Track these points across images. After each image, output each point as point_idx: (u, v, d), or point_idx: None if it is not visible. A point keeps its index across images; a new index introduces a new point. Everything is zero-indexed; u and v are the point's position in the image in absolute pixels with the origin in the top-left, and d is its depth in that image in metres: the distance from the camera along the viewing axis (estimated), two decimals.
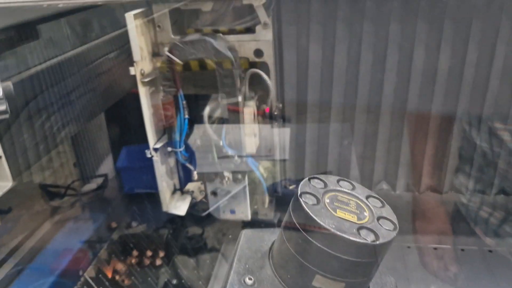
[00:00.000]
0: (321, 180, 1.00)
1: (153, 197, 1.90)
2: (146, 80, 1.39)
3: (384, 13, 1.51)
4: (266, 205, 1.70)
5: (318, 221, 0.86)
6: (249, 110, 1.42)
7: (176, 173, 1.61)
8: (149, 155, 1.47)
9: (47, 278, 1.56)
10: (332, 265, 0.89)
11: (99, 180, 1.97)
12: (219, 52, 1.34)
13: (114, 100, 1.76)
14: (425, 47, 1.53)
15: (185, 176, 1.62)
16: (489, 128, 1.62)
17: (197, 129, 1.50)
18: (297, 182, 1.76)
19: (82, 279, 1.63)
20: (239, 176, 1.55)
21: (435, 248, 1.67)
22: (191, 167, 1.54)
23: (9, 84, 1.13)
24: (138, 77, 1.38)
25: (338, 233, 0.84)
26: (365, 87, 1.61)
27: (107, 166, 1.97)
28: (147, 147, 1.48)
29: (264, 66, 1.47)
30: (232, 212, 1.65)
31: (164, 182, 1.52)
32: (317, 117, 1.68)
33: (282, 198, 1.83)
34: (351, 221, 0.89)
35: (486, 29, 1.50)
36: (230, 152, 1.48)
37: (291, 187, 1.77)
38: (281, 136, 1.63)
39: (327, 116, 1.67)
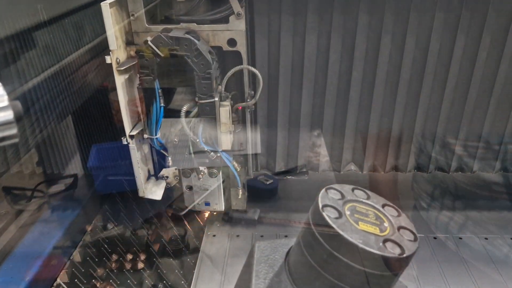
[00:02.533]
0: (337, 190, 1.03)
1: (128, 197, 1.93)
2: (122, 68, 1.40)
3: (353, 4, 1.55)
4: (240, 196, 1.75)
5: (346, 236, 0.89)
6: (224, 109, 1.47)
7: (150, 159, 1.63)
8: (125, 142, 1.49)
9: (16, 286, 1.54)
10: (357, 279, 0.92)
11: (68, 181, 1.94)
12: (200, 54, 1.38)
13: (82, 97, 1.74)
14: (392, 37, 1.59)
15: (160, 162, 1.64)
16: None
17: (174, 126, 1.53)
18: (269, 171, 1.83)
19: (55, 284, 1.61)
20: (214, 170, 1.60)
21: None
22: (166, 153, 1.57)
23: (17, 104, 1.10)
24: (114, 66, 1.39)
25: (367, 248, 0.88)
26: (335, 75, 1.66)
27: (75, 165, 1.93)
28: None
29: (237, 55, 1.51)
30: (207, 204, 1.70)
31: (140, 168, 1.54)
32: (288, 105, 1.73)
33: (253, 189, 1.90)
34: (375, 234, 0.93)
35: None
36: (206, 148, 1.53)
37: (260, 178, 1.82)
38: (253, 126, 1.69)
39: (297, 103, 1.71)
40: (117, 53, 1.40)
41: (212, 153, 1.54)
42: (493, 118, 1.74)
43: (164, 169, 1.62)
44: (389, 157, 1.82)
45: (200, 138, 1.51)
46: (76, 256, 1.75)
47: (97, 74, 1.74)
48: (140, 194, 1.60)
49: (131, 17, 1.46)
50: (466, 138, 1.78)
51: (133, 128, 1.51)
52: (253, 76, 1.57)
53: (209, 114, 1.47)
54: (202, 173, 1.61)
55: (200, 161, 1.58)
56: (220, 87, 1.49)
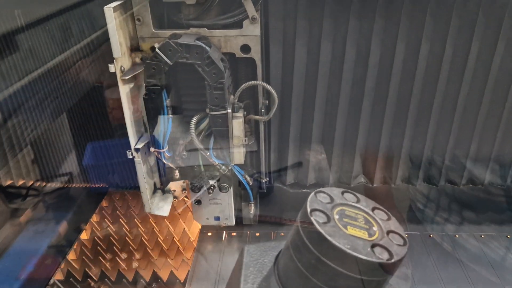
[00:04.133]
0: (326, 194, 1.01)
1: (123, 195, 1.91)
2: (127, 77, 1.33)
3: (369, 10, 1.48)
4: (252, 211, 1.70)
5: (333, 242, 0.87)
6: (238, 121, 1.40)
7: (157, 172, 1.56)
8: (130, 156, 1.43)
9: (11, 284, 1.53)
10: (346, 284, 0.90)
11: (63, 179, 1.91)
12: (212, 63, 1.30)
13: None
14: (406, 43, 1.51)
15: (167, 175, 1.57)
16: None
17: (183, 137, 1.47)
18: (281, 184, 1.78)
19: (50, 282, 1.60)
20: (226, 185, 1.54)
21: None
22: (173, 166, 1.51)
23: None
24: (118, 75, 1.32)
25: (354, 254, 0.85)
26: (348, 83, 1.59)
27: (70, 163, 1.91)
28: (113, 143, 1.45)
29: (250, 62, 1.44)
30: (217, 219, 1.66)
31: (146, 183, 1.48)
32: (301, 113, 1.66)
33: (266, 195, 1.86)
34: (364, 239, 0.90)
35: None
36: (218, 162, 1.47)
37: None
38: (266, 138, 1.62)
39: (310, 112, 1.64)
40: (121, 61, 1.33)
41: (223, 167, 1.47)
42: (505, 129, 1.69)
43: (171, 183, 1.56)
44: (399, 169, 1.77)
45: (211, 152, 1.44)
46: (72, 254, 1.74)
47: (91, 71, 1.72)
48: (147, 210, 1.53)
49: (137, 22, 1.38)
50: (477, 151, 1.73)
51: (138, 141, 1.44)
52: (266, 67, 1.51)
53: (221, 126, 1.39)
54: (212, 187, 1.53)
55: (211, 174, 1.52)
56: (232, 97, 1.41)
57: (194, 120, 1.39)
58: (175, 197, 1.59)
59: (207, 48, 1.30)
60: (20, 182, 1.69)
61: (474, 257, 1.69)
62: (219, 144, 1.44)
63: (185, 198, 1.63)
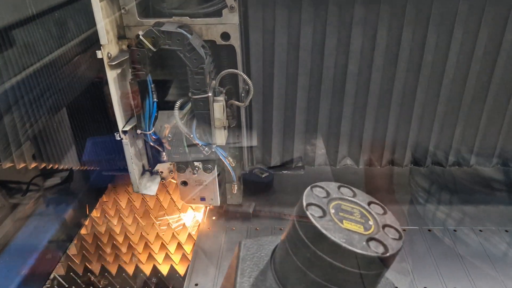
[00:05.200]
0: (322, 188, 1.01)
1: (123, 190, 1.95)
2: (113, 63, 1.39)
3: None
4: (235, 191, 1.75)
5: (328, 235, 0.87)
6: (218, 104, 1.45)
7: (145, 154, 1.62)
8: (118, 138, 1.48)
9: (12, 279, 1.55)
10: (341, 278, 0.91)
11: (64, 174, 1.94)
12: (193, 49, 1.36)
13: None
14: (388, 29, 1.55)
15: (154, 157, 1.63)
16: None
17: (169, 120, 1.53)
18: (264, 165, 1.82)
19: (51, 276, 1.62)
20: (209, 165, 1.60)
21: None
22: (160, 148, 1.57)
23: None
24: (106, 61, 1.38)
25: (349, 247, 0.86)
26: (330, 69, 1.62)
27: (70, 158, 1.92)
28: (113, 138, 1.49)
29: (231, 49, 1.50)
30: (202, 199, 1.69)
31: (134, 163, 1.53)
32: (283, 99, 1.70)
33: (249, 182, 1.89)
34: (359, 233, 0.91)
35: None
36: (200, 143, 1.52)
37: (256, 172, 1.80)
38: (247, 121, 1.68)
39: (293, 98, 1.68)
40: (109, 48, 1.39)
41: (206, 148, 1.53)
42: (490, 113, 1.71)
43: (158, 164, 1.62)
44: (385, 151, 1.79)
45: (194, 133, 1.49)
46: (72, 249, 1.76)
47: (90, 66, 1.74)
48: (135, 189, 1.59)
49: (122, 11, 1.44)
50: (463, 132, 1.75)
51: (126, 123, 1.50)
52: (247, 71, 1.56)
53: (202, 109, 1.46)
54: (197, 168, 1.59)
55: (194, 156, 1.56)
56: (214, 82, 1.47)
57: (178, 103, 1.45)
58: (162, 178, 1.65)
59: (188, 35, 1.36)
60: (21, 178, 1.73)
61: (473, 251, 1.71)
62: (201, 127, 1.49)
63: (172, 180, 1.68)
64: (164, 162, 1.61)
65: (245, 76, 1.47)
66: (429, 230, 1.81)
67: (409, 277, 1.58)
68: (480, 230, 1.80)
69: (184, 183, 1.65)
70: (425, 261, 1.67)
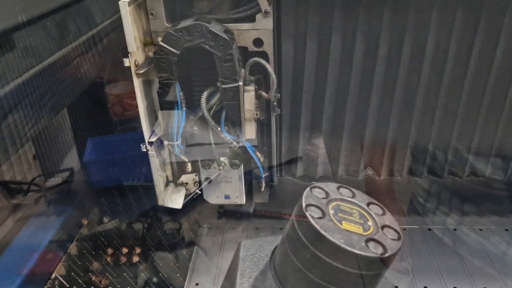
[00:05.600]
0: (322, 189, 1.02)
1: (124, 190, 1.92)
2: (141, 71, 1.34)
3: (378, 2, 1.48)
4: (263, 188, 1.71)
5: (327, 236, 0.87)
6: (249, 94, 1.38)
7: (169, 165, 1.57)
8: (144, 149, 1.44)
9: (13, 279, 1.54)
10: (341, 279, 0.90)
11: (64, 174, 1.95)
12: (216, 35, 1.29)
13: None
14: (414, 37, 1.52)
15: (179, 168, 1.58)
16: None
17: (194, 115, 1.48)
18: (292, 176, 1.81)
19: (52, 276, 1.62)
20: (237, 161, 1.53)
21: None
22: (185, 159, 1.52)
23: None
24: (133, 69, 1.33)
25: (349, 248, 0.86)
26: (357, 76, 1.60)
27: (71, 159, 1.94)
28: (113, 138, 1.46)
29: (263, 56, 1.42)
30: (227, 197, 1.65)
31: (159, 176, 1.49)
32: (311, 107, 1.67)
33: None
34: (358, 233, 0.91)
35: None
36: (229, 138, 1.46)
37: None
38: (277, 126, 1.61)
39: (320, 106, 1.66)
40: (136, 55, 1.34)
41: (234, 142, 1.47)
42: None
43: (183, 176, 1.57)
44: (405, 162, 1.80)
45: (222, 126, 1.44)
46: (73, 249, 1.76)
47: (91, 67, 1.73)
48: (160, 202, 1.55)
49: (150, 16, 1.40)
50: (479, 144, 1.74)
51: (152, 134, 1.45)
52: (279, 78, 1.51)
53: (232, 100, 1.38)
54: (223, 164, 1.53)
55: (221, 151, 1.52)
56: (243, 70, 1.39)
57: (205, 94, 1.39)
58: (187, 190, 1.60)
59: (206, 24, 1.29)
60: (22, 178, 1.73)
61: (473, 251, 1.70)
62: (230, 119, 1.44)
63: (198, 191, 1.63)
64: (188, 173, 1.56)
65: (269, 68, 1.40)
66: (429, 230, 1.82)
67: (409, 277, 1.58)
68: (480, 229, 1.81)
69: (208, 180, 1.59)
70: (425, 260, 1.67)
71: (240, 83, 1.35)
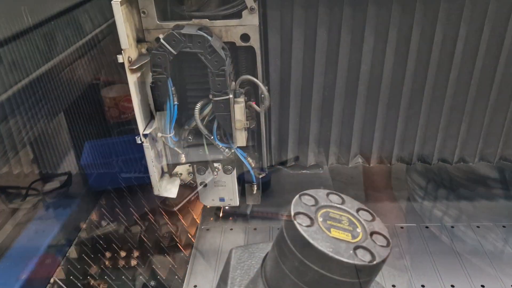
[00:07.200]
0: (311, 196, 1.02)
1: (122, 193, 1.95)
2: (134, 67, 1.40)
3: None
4: (255, 191, 1.76)
5: (315, 245, 0.88)
6: (239, 106, 1.46)
7: (164, 156, 1.63)
8: (139, 141, 1.49)
9: (12, 283, 1.56)
10: (330, 286, 0.91)
11: (62, 178, 1.96)
12: (214, 51, 1.36)
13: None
14: (398, 30, 1.53)
15: (173, 159, 1.64)
16: None
17: (189, 124, 1.55)
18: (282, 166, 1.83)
19: (51, 280, 1.64)
20: (229, 167, 1.61)
21: None
22: (179, 151, 1.58)
23: None
24: (126, 65, 1.39)
25: (336, 256, 0.86)
26: (344, 67, 1.62)
27: (69, 163, 1.95)
28: (111, 142, 1.50)
29: (250, 50, 1.50)
30: (222, 200, 1.72)
31: (154, 166, 1.55)
32: (299, 99, 1.69)
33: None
34: (346, 241, 0.91)
35: None
36: (222, 146, 1.53)
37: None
38: (266, 121, 1.66)
39: (308, 98, 1.68)
40: (129, 52, 1.40)
41: (226, 149, 1.55)
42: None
43: (177, 167, 1.63)
44: (394, 149, 1.78)
45: (215, 135, 1.51)
46: (72, 253, 1.78)
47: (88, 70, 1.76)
48: (155, 192, 1.60)
49: (142, 14, 1.45)
50: (468, 129, 1.73)
51: (146, 127, 1.51)
52: (266, 71, 1.56)
53: (223, 111, 1.46)
54: (216, 169, 1.61)
55: (214, 157, 1.58)
56: (234, 83, 1.48)
57: (198, 106, 1.47)
58: (181, 180, 1.66)
59: (209, 37, 1.37)
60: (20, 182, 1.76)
61: (470, 248, 1.72)
62: (222, 128, 1.51)
63: (192, 181, 1.69)
64: (182, 164, 1.62)
65: (260, 84, 1.48)
66: (427, 227, 1.85)
67: (407, 274, 1.60)
68: (478, 227, 1.83)
69: (204, 185, 1.67)
70: (422, 258, 1.70)
71: (231, 96, 1.43)
